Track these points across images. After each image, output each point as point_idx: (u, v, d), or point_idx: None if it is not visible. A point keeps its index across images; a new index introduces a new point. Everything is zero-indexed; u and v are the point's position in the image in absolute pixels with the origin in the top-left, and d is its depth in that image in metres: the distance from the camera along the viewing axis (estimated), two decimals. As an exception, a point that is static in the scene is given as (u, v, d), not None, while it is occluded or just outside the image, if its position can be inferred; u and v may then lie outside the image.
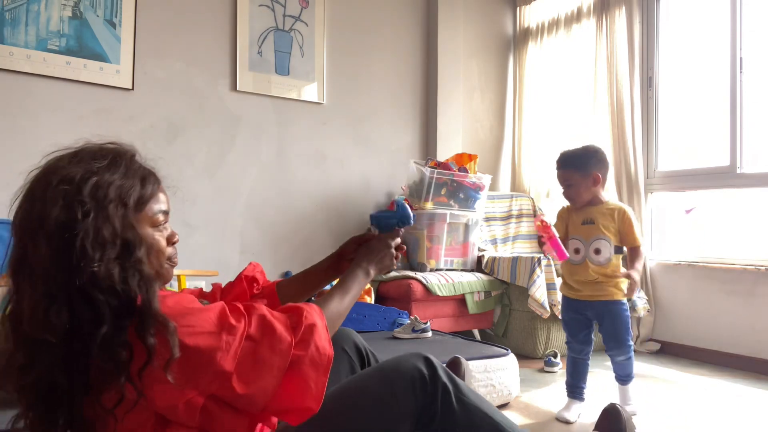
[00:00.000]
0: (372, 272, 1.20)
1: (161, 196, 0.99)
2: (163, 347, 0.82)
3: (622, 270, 2.19)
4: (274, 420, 1.09)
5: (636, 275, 2.11)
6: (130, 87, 3.09)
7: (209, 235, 3.31)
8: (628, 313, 2.23)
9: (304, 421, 0.94)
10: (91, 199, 0.84)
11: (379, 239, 1.25)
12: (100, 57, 3.01)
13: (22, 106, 2.84)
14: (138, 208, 0.92)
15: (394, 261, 1.25)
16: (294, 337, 0.93)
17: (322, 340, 0.96)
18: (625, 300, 2.21)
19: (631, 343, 2.24)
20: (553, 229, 2.09)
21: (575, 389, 2.27)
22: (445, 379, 1.07)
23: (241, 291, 1.29)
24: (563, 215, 2.34)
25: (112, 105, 3.06)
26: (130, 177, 0.91)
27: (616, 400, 2.26)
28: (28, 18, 2.83)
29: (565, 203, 2.38)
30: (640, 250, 2.19)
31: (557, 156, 2.31)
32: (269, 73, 3.51)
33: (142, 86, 3.13)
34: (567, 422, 2.18)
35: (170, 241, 1.00)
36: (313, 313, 0.98)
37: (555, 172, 2.22)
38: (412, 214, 1.25)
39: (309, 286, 1.36)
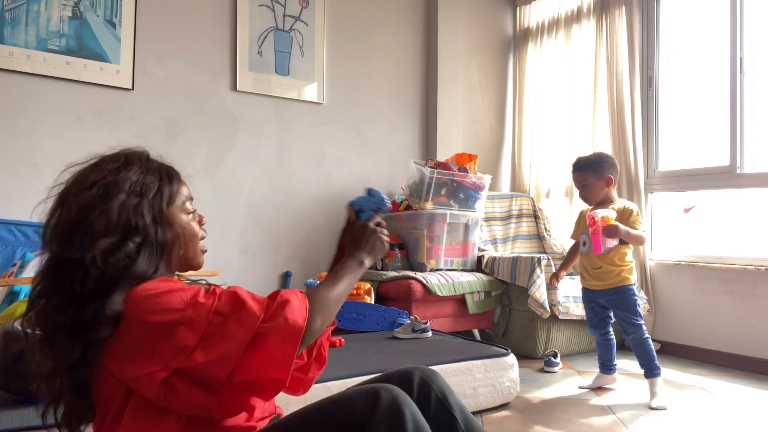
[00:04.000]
0: (366, 260, 1.16)
1: (183, 187, 1.10)
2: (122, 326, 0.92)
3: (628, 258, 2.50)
4: (267, 408, 1.09)
5: (621, 229, 2.36)
6: (130, 87, 3.09)
7: (209, 235, 3.30)
8: (636, 296, 2.49)
9: (274, 396, 0.95)
10: (98, 197, 0.95)
11: (361, 227, 1.20)
12: (100, 57, 3.01)
13: (22, 106, 2.84)
14: (170, 200, 1.04)
15: (386, 241, 1.19)
16: (264, 312, 0.93)
17: (294, 314, 0.94)
18: (632, 285, 2.49)
19: (641, 322, 2.45)
20: (599, 226, 2.35)
21: (602, 364, 2.64)
22: (380, 427, 0.95)
23: None
24: (581, 215, 2.65)
25: (112, 105, 3.06)
26: (149, 173, 1.03)
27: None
28: (28, 18, 2.83)
29: (582, 206, 2.71)
30: (641, 235, 2.44)
31: (571, 160, 2.65)
32: (269, 73, 3.51)
33: (142, 86, 3.13)
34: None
35: (201, 223, 1.15)
36: (291, 293, 0.98)
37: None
38: (385, 199, 1.29)
39: None
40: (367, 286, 3.12)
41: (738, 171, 3.18)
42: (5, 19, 2.78)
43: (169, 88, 3.22)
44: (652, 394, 2.38)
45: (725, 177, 3.23)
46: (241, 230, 3.43)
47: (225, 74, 3.39)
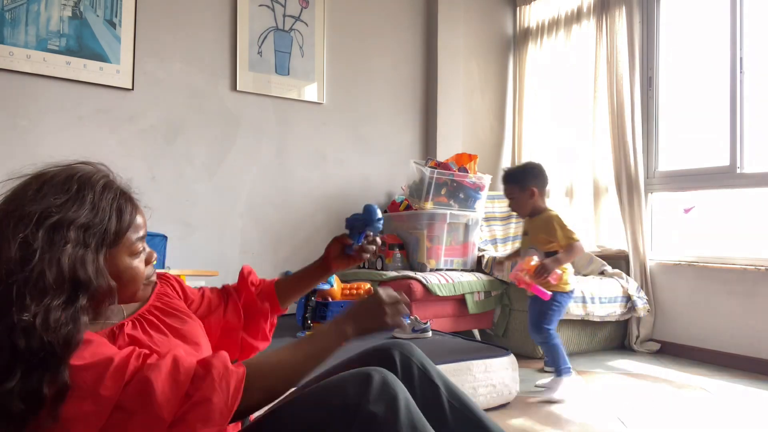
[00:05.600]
0: (350, 332, 1.03)
1: (138, 221, 0.96)
2: (48, 402, 0.78)
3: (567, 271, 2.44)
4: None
5: (550, 264, 2.30)
6: (130, 87, 3.09)
7: (209, 235, 3.31)
8: (555, 307, 2.42)
9: None
10: (44, 242, 0.81)
11: (375, 300, 1.08)
12: (100, 57, 3.01)
13: (22, 106, 2.84)
14: (114, 242, 0.91)
15: (387, 322, 1.06)
16: (176, 411, 0.81)
17: (207, 425, 0.81)
18: (560, 292, 2.42)
19: (550, 328, 2.41)
20: (526, 278, 2.27)
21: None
22: (374, 407, 0.90)
23: (249, 299, 1.30)
24: (525, 224, 2.64)
25: (112, 105, 3.06)
26: (99, 212, 0.89)
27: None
28: (28, 18, 2.83)
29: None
30: (573, 246, 2.37)
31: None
32: (269, 73, 3.51)
33: (142, 86, 3.13)
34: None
35: (149, 261, 1.01)
36: (219, 384, 0.84)
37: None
38: (379, 218, 1.26)
39: (302, 286, 1.39)
40: (367, 286, 3.12)
41: (738, 171, 3.17)
42: (5, 19, 2.78)
43: (169, 88, 3.22)
44: (552, 388, 2.39)
45: (725, 177, 3.23)
46: (241, 230, 3.43)
47: (225, 74, 3.39)
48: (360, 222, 1.26)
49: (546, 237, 2.44)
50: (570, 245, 2.38)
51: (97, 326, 0.96)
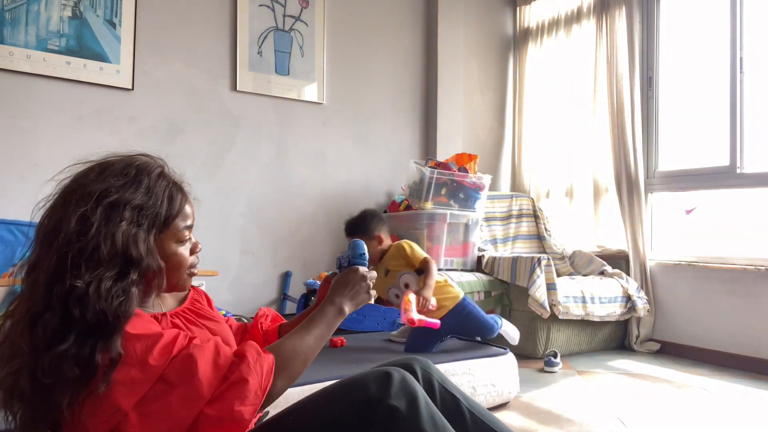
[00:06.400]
0: (346, 309, 1.13)
1: (187, 210, 1.03)
2: (101, 370, 0.84)
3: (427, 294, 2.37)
4: None
5: (427, 292, 2.30)
6: (130, 87, 3.09)
7: (209, 235, 3.31)
8: (472, 305, 2.49)
9: None
10: (101, 218, 0.88)
11: (353, 271, 1.19)
12: (100, 57, 3.01)
13: (22, 106, 2.84)
14: (164, 226, 0.97)
15: (370, 293, 1.18)
16: (214, 390, 0.88)
17: (244, 403, 0.88)
18: (463, 299, 2.47)
19: (491, 319, 2.50)
20: (416, 317, 2.15)
21: None
22: (396, 402, 0.97)
23: (257, 341, 1.31)
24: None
25: (112, 105, 3.06)
26: (153, 196, 0.96)
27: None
28: (28, 18, 2.83)
29: None
30: (429, 264, 2.40)
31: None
32: (269, 73, 3.51)
33: (142, 86, 3.13)
34: None
35: (194, 251, 1.06)
36: (254, 367, 0.91)
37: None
38: (361, 253, 1.28)
39: None
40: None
41: (738, 171, 3.18)
42: (5, 19, 2.78)
43: (169, 88, 3.22)
44: (509, 337, 2.62)
45: (725, 177, 3.23)
46: (241, 230, 3.43)
47: (225, 74, 3.39)
48: (345, 259, 1.30)
49: (405, 261, 2.44)
50: (427, 262, 2.38)
51: (143, 309, 1.01)
